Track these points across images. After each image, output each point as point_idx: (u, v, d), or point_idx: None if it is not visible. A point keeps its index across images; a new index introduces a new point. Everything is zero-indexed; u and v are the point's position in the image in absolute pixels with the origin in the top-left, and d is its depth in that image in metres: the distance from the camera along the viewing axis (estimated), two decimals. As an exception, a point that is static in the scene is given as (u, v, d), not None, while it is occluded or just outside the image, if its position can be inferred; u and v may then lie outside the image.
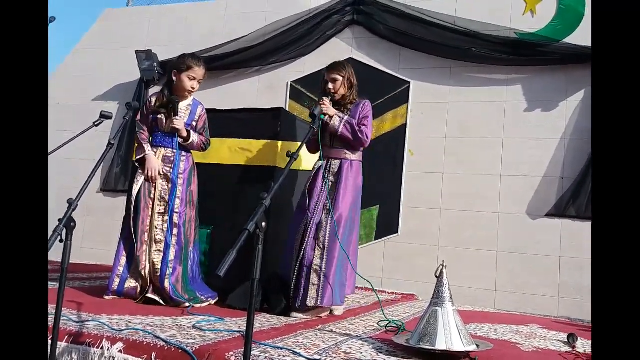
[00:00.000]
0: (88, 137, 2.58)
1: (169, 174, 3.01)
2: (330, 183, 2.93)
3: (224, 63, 5.34)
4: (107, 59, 5.98)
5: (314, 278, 2.76)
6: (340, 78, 2.98)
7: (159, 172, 3.00)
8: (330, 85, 2.97)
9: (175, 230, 2.98)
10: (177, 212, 2.99)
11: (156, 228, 2.96)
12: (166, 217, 2.97)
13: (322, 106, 2.87)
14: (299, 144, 2.37)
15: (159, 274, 2.90)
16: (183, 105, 3.08)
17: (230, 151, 3.30)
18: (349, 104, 3.01)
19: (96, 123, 2.25)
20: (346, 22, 5.11)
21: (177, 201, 3.01)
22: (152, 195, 2.99)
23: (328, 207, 2.84)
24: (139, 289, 2.96)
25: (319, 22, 5.10)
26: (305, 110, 4.94)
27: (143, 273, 2.93)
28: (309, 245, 2.82)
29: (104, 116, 2.32)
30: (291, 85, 5.21)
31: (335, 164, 2.96)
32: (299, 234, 2.90)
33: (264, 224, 1.46)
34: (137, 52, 5.49)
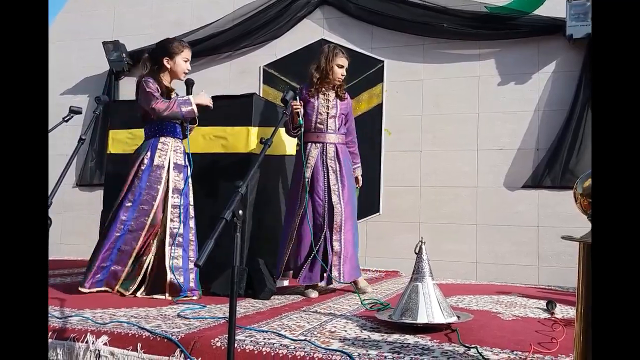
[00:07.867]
0: (59, 132, 2.53)
1: (181, 165, 2.94)
2: (331, 168, 3.01)
3: (194, 50, 5.22)
4: (74, 51, 5.84)
5: (334, 259, 2.95)
6: (346, 64, 3.10)
7: (174, 162, 2.91)
8: (344, 72, 3.09)
9: (192, 223, 2.91)
10: (192, 205, 2.94)
11: (172, 221, 2.83)
12: (181, 210, 2.86)
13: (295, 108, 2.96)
14: (273, 129, 2.36)
15: (180, 269, 2.78)
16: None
17: (205, 139, 3.28)
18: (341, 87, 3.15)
19: (66, 119, 2.20)
20: (316, 2, 5.07)
21: (190, 192, 2.95)
22: (164, 186, 2.86)
23: (337, 192, 2.98)
24: (120, 282, 2.82)
25: (288, 4, 5.05)
26: (279, 93, 4.92)
27: (145, 269, 2.79)
28: (328, 229, 2.97)
29: (74, 111, 2.28)
30: (264, 69, 5.17)
31: (331, 149, 3.05)
32: (309, 220, 2.94)
33: (240, 211, 1.47)
34: (104, 43, 5.38)
